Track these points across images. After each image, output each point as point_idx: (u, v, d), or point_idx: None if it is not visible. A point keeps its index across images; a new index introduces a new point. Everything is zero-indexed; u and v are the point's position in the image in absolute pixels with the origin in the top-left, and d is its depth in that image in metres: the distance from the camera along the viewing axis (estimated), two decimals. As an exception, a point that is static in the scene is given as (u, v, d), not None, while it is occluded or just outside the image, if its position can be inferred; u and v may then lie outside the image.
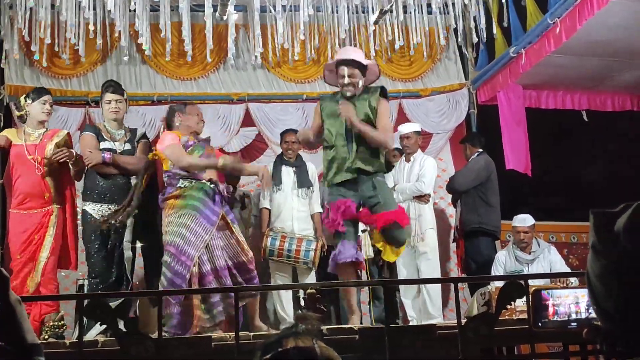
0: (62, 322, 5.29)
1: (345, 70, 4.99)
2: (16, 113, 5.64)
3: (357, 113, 5.01)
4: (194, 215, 4.83)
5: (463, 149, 7.41)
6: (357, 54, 5.17)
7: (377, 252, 6.93)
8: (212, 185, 4.94)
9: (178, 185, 4.96)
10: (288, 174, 6.77)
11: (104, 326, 4.67)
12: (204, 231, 4.82)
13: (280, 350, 1.40)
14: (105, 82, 5.77)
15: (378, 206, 5.04)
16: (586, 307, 2.02)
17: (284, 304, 6.52)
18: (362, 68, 5.10)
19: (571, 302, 2.02)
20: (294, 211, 6.68)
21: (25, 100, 5.49)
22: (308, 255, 6.37)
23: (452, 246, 7.83)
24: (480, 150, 7.16)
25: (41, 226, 5.33)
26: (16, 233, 5.32)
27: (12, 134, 5.50)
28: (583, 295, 1.92)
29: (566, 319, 2.00)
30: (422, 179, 6.71)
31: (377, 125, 5.05)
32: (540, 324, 1.97)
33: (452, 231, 7.62)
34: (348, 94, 5.02)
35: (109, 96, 5.52)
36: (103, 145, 5.37)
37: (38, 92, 5.58)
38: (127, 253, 5.31)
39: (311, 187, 6.74)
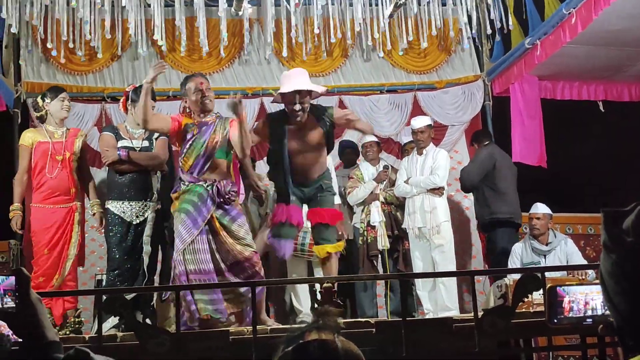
0: (79, 318, 5.39)
1: (297, 97, 4.96)
2: (35, 114, 5.73)
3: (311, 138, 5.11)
4: (183, 219, 4.82)
5: (473, 150, 7.43)
6: (306, 80, 5.10)
7: (395, 241, 6.95)
8: (208, 187, 4.85)
9: (181, 186, 4.95)
10: None
11: (117, 320, 4.76)
12: (187, 234, 4.77)
13: (302, 343, 1.42)
14: (142, 86, 5.70)
15: (314, 202, 5.21)
16: (602, 304, 2.01)
17: (300, 298, 6.54)
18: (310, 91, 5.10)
19: (587, 298, 2.01)
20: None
21: (43, 100, 5.59)
22: None
23: (471, 239, 7.84)
24: (487, 142, 7.19)
25: (66, 222, 5.43)
26: (41, 228, 5.41)
27: (35, 132, 5.61)
28: (599, 291, 1.92)
29: (582, 315, 2.00)
30: (436, 172, 6.71)
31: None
32: (555, 321, 1.97)
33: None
34: (298, 119, 5.03)
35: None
36: (121, 143, 5.45)
37: (54, 91, 5.69)
38: (147, 247, 5.37)
39: None
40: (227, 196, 4.87)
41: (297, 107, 4.96)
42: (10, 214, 5.47)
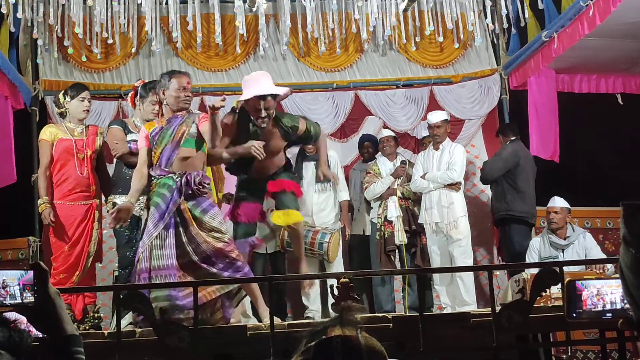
0: (99, 313, 5.42)
1: (261, 103, 4.85)
2: (56, 110, 5.76)
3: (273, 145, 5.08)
4: (152, 212, 4.71)
5: (499, 141, 7.39)
6: (270, 83, 4.99)
7: (413, 236, 6.94)
8: (177, 178, 4.71)
9: (153, 181, 4.85)
10: (307, 168, 6.79)
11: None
12: (154, 226, 4.66)
13: (325, 339, 1.43)
14: (151, 82, 5.65)
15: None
16: (621, 298, 1.99)
17: (310, 295, 6.50)
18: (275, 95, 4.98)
19: (606, 293, 2.00)
20: (314, 206, 6.70)
21: (64, 98, 5.59)
22: (322, 247, 6.36)
23: (488, 234, 7.81)
24: (513, 138, 7.13)
25: (87, 219, 5.46)
26: (62, 224, 5.42)
27: (56, 128, 5.64)
28: (618, 285, 1.91)
29: (601, 309, 1.98)
30: (453, 167, 6.70)
31: None
32: (574, 315, 1.95)
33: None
34: (264, 125, 4.93)
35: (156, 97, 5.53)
36: (130, 137, 5.45)
37: (76, 89, 5.66)
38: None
39: (330, 181, 6.73)
40: (196, 187, 4.71)
41: (263, 113, 4.86)
42: (39, 208, 5.47)
